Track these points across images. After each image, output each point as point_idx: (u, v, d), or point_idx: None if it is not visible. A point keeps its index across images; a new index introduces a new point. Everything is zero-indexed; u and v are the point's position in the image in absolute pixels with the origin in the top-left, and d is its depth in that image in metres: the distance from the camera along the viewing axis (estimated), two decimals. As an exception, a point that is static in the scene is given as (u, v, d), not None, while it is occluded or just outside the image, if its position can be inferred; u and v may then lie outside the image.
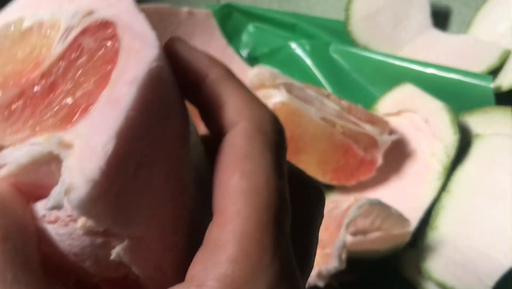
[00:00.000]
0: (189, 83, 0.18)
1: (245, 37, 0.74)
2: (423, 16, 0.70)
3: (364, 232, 0.52)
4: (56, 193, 0.15)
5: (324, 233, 0.49)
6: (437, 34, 0.69)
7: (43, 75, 0.17)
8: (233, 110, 0.18)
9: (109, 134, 0.15)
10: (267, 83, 0.57)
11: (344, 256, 0.45)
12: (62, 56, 0.17)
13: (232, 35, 0.73)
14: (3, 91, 0.17)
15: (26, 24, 0.18)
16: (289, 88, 0.57)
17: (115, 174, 0.15)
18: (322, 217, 0.22)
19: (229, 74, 0.19)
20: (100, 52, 0.17)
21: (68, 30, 0.17)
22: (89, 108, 0.16)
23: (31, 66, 0.17)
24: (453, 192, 0.54)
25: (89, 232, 0.16)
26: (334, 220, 0.49)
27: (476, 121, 0.59)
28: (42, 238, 0.16)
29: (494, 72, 0.62)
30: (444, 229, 0.52)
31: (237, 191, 0.16)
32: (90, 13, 0.17)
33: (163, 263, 0.17)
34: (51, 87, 0.17)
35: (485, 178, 0.53)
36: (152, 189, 0.16)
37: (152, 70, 0.16)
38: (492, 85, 0.59)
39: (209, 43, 0.69)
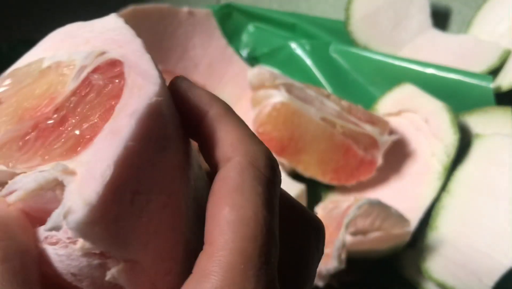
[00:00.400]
0: (191, 120, 0.19)
1: (245, 37, 0.74)
2: (423, 16, 0.70)
3: (364, 232, 0.52)
4: (56, 215, 0.16)
5: (324, 233, 0.49)
6: (437, 34, 0.69)
7: (56, 110, 0.18)
8: (229, 146, 0.19)
9: (108, 162, 0.16)
10: (267, 83, 0.57)
11: (343, 256, 0.45)
12: (74, 93, 0.19)
13: (232, 35, 0.73)
14: (20, 124, 0.19)
15: (46, 64, 0.20)
16: (289, 88, 0.57)
17: (112, 199, 0.16)
18: (322, 253, 0.22)
19: (228, 111, 0.20)
20: (107, 89, 0.18)
21: (82, 69, 0.19)
22: (93, 139, 0.17)
23: (47, 101, 0.19)
24: (453, 192, 0.54)
25: (86, 254, 0.16)
26: (334, 220, 0.49)
27: (476, 121, 0.59)
28: (43, 259, 0.17)
29: (494, 72, 0.62)
30: (444, 229, 0.52)
31: (226, 223, 0.17)
32: (102, 53, 0.19)
33: (158, 287, 0.18)
34: (62, 121, 0.18)
35: (485, 178, 0.53)
36: (149, 216, 0.17)
37: (151, 105, 0.17)
38: (492, 85, 0.59)
39: (209, 43, 0.69)
